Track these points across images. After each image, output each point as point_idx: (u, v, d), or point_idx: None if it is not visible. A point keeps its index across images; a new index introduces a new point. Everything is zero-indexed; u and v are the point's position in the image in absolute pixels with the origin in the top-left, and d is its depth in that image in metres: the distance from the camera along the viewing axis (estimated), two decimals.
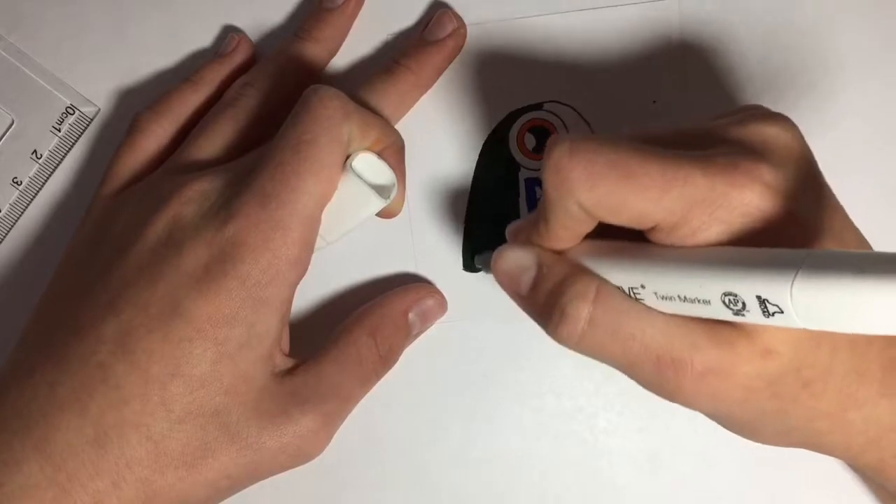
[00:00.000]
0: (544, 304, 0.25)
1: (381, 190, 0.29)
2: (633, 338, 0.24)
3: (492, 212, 0.33)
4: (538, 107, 0.34)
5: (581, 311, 0.24)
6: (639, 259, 0.24)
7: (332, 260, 0.33)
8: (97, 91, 0.35)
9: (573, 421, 0.33)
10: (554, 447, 0.33)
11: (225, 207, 0.27)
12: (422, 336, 0.33)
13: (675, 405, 0.32)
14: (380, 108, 0.31)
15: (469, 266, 0.33)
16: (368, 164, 0.29)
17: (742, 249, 0.22)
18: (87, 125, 0.35)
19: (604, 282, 0.24)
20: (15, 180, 0.34)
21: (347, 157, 0.29)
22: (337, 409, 0.29)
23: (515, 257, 0.27)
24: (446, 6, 0.34)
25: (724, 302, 0.21)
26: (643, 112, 0.33)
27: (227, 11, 0.35)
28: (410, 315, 0.32)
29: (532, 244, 0.26)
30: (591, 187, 0.23)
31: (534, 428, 0.33)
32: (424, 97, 0.33)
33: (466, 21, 0.34)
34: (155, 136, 0.32)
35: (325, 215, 0.28)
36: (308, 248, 0.28)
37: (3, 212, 0.34)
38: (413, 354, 0.32)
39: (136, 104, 0.34)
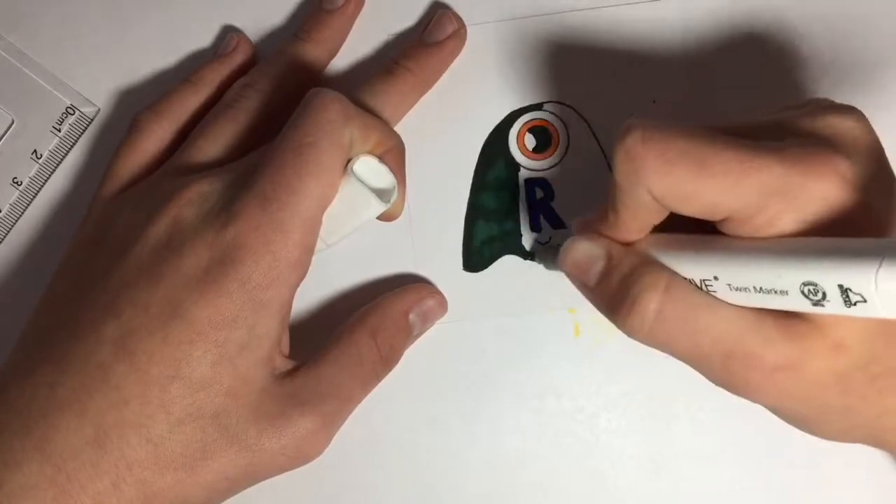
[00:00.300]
0: (613, 295, 0.25)
1: (381, 193, 0.29)
2: (702, 331, 0.23)
3: (492, 212, 0.33)
4: (538, 107, 0.34)
5: (651, 302, 0.24)
6: (712, 250, 0.24)
7: (332, 261, 0.33)
8: (97, 91, 0.35)
9: (573, 421, 0.33)
10: (554, 447, 0.33)
11: (225, 209, 0.27)
12: (422, 336, 0.33)
13: (675, 406, 0.32)
14: (380, 109, 0.31)
15: (469, 266, 0.33)
16: (369, 168, 0.29)
17: (820, 239, 0.22)
18: (87, 125, 0.35)
19: (674, 274, 0.24)
20: (15, 180, 0.34)
21: (348, 160, 0.29)
22: (336, 410, 0.29)
23: (584, 248, 0.27)
24: (446, 7, 0.34)
25: (802, 292, 0.21)
26: (643, 112, 0.33)
27: (227, 12, 0.35)
28: (411, 315, 0.32)
29: (600, 236, 0.26)
30: (663, 176, 0.22)
31: (534, 428, 0.33)
32: (424, 97, 0.33)
33: (466, 21, 0.34)
34: (155, 137, 0.32)
35: (326, 218, 0.28)
36: (308, 250, 0.28)
37: (3, 212, 0.34)
38: (413, 354, 0.32)
39: (136, 104, 0.34)
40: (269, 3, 0.35)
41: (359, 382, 0.30)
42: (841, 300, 0.20)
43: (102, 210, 0.31)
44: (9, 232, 0.34)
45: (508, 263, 0.33)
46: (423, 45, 0.33)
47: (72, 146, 0.35)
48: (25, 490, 0.25)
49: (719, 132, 0.23)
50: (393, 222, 0.33)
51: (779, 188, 0.22)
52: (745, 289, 0.22)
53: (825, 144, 0.23)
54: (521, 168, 0.34)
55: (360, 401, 0.30)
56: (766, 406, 0.25)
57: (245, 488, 0.28)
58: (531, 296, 0.33)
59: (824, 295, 0.20)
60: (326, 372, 0.29)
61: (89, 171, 0.35)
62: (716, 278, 0.23)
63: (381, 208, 0.29)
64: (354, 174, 0.29)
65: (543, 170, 0.33)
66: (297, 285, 0.28)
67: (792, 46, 0.33)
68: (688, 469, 0.32)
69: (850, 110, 0.24)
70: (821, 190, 0.22)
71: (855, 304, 0.20)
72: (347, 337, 0.30)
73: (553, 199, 0.33)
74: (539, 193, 0.33)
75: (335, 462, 0.32)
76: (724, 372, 0.24)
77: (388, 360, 0.31)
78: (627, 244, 0.26)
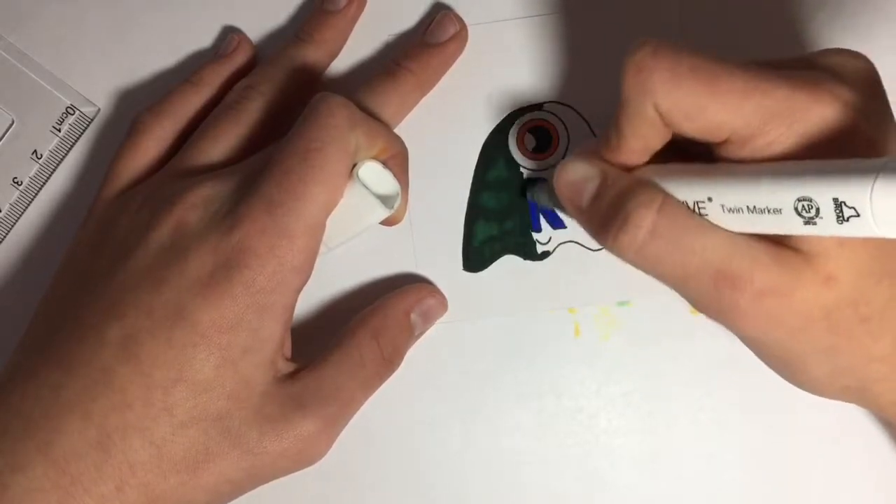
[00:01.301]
0: (605, 213, 0.25)
1: (385, 199, 0.30)
2: (693, 252, 0.23)
3: (492, 212, 0.33)
4: (538, 107, 0.34)
5: (644, 219, 0.24)
6: (708, 173, 0.24)
7: (333, 262, 0.33)
8: (97, 91, 0.35)
9: (573, 421, 0.33)
10: (554, 447, 0.33)
11: (230, 213, 0.27)
12: (422, 336, 0.33)
13: (675, 406, 0.33)
14: (381, 111, 0.31)
15: (469, 266, 0.33)
16: (374, 173, 0.29)
17: (817, 161, 0.22)
18: (88, 125, 0.35)
19: (669, 195, 0.24)
20: (15, 180, 0.34)
21: (353, 165, 0.29)
22: (338, 412, 0.29)
23: (579, 168, 0.26)
24: (447, 7, 0.34)
25: (796, 209, 0.21)
26: None
27: (228, 12, 0.35)
28: (413, 315, 0.32)
29: (596, 158, 0.26)
30: (671, 89, 0.23)
31: (534, 428, 0.33)
32: (425, 97, 0.33)
33: (466, 21, 0.33)
34: (156, 138, 0.32)
35: (330, 222, 0.28)
36: (312, 255, 0.28)
37: (3, 212, 0.34)
38: (413, 354, 0.32)
39: (137, 104, 0.34)
40: (269, 3, 0.35)
41: (361, 384, 0.30)
42: (834, 216, 0.20)
43: (104, 211, 0.31)
44: (9, 232, 0.34)
45: (508, 263, 0.33)
46: (424, 46, 0.33)
47: (72, 146, 0.35)
48: (30, 493, 0.25)
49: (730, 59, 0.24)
50: None
51: (782, 110, 0.22)
52: (739, 209, 0.23)
53: (830, 75, 0.23)
54: (522, 168, 0.34)
55: (362, 403, 0.30)
56: (750, 338, 0.25)
57: (248, 491, 0.28)
58: (531, 296, 0.33)
59: (818, 211, 0.21)
60: (328, 374, 0.29)
61: (89, 171, 0.35)
62: (710, 199, 0.23)
63: (385, 214, 0.30)
64: (359, 179, 0.29)
65: (543, 170, 0.33)
66: (301, 289, 0.28)
67: (792, 47, 0.33)
68: (688, 469, 0.32)
69: (857, 53, 0.25)
70: (821, 113, 0.22)
71: (848, 219, 0.20)
72: (349, 339, 0.30)
73: None
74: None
75: (335, 462, 0.32)
76: (712, 294, 0.24)
77: (391, 361, 0.31)
78: (625, 170, 0.26)
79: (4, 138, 0.34)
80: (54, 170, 0.34)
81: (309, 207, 0.27)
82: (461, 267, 0.33)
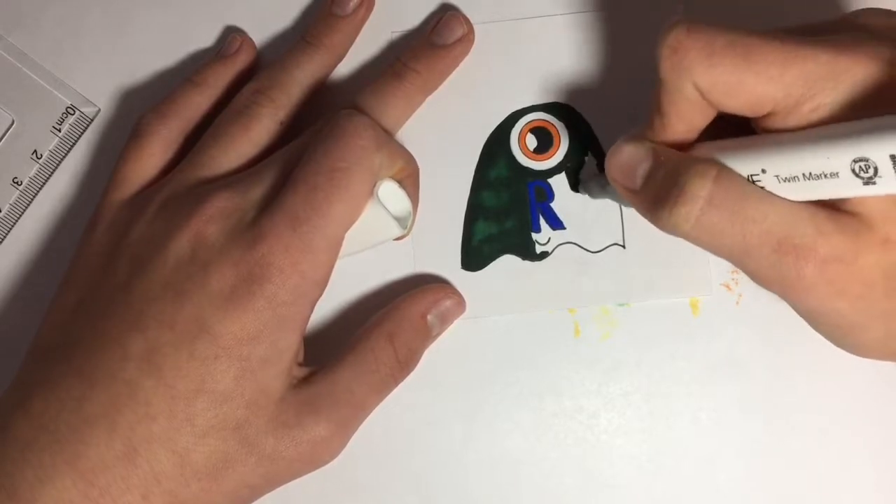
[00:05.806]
0: (660, 188, 0.25)
1: (399, 219, 0.30)
2: (753, 221, 0.23)
3: (492, 211, 0.33)
4: (539, 107, 0.34)
5: (702, 189, 0.23)
6: (759, 145, 0.24)
7: None
8: (97, 91, 0.35)
9: (573, 421, 0.33)
10: (554, 447, 0.33)
11: (252, 227, 0.27)
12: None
13: (675, 406, 0.33)
14: (387, 112, 0.32)
15: (467, 264, 0.33)
16: (390, 193, 0.30)
17: (868, 120, 0.22)
18: (88, 125, 0.35)
19: (724, 165, 0.24)
20: (15, 180, 0.34)
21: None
22: (351, 416, 0.29)
23: (629, 149, 0.26)
24: (453, 7, 0.34)
25: (853, 171, 0.21)
26: (643, 112, 0.33)
27: (228, 11, 0.35)
28: (429, 317, 0.32)
29: (646, 139, 0.26)
30: (708, 66, 0.23)
31: (534, 428, 0.33)
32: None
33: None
34: (161, 140, 0.32)
35: (345, 236, 0.29)
36: (331, 269, 0.28)
37: (3, 212, 0.34)
38: None
39: (137, 104, 0.34)
40: (269, 3, 0.35)
41: (374, 388, 0.30)
42: (894, 172, 0.20)
43: (114, 216, 0.31)
44: (9, 232, 0.34)
45: (508, 263, 0.33)
46: (430, 47, 0.33)
47: (72, 146, 0.35)
48: None
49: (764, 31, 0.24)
50: None
51: (824, 74, 0.22)
52: (794, 178, 0.22)
53: (867, 35, 0.23)
54: (522, 168, 0.34)
55: (375, 405, 0.30)
56: (811, 309, 0.25)
57: (266, 493, 0.29)
58: (531, 296, 0.33)
59: (876, 170, 0.20)
60: (341, 377, 0.29)
61: (90, 171, 0.34)
62: (763, 171, 0.23)
63: (399, 233, 0.30)
64: (378, 199, 0.29)
65: (544, 170, 0.34)
66: (317, 301, 0.28)
67: None
68: (688, 469, 0.33)
69: (892, 11, 0.25)
70: (864, 72, 0.22)
71: None
72: (364, 341, 0.30)
73: (553, 199, 0.33)
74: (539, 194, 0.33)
75: (334, 462, 0.32)
76: (776, 265, 0.23)
77: (406, 364, 0.31)
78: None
79: (4, 138, 0.34)
80: (54, 170, 0.34)
81: (332, 225, 0.27)
82: (459, 265, 0.33)
